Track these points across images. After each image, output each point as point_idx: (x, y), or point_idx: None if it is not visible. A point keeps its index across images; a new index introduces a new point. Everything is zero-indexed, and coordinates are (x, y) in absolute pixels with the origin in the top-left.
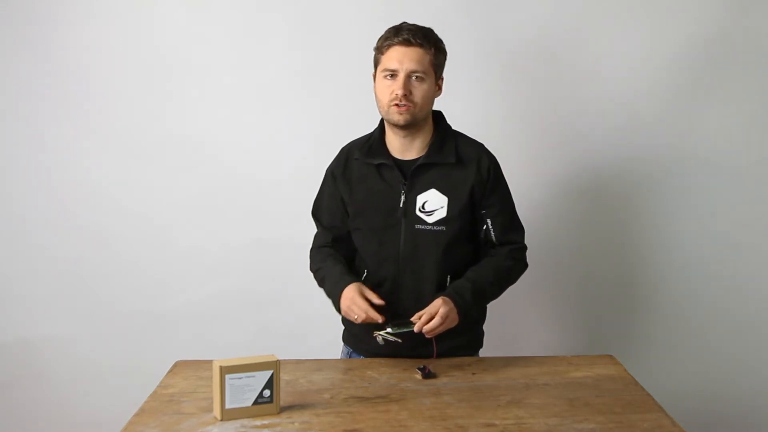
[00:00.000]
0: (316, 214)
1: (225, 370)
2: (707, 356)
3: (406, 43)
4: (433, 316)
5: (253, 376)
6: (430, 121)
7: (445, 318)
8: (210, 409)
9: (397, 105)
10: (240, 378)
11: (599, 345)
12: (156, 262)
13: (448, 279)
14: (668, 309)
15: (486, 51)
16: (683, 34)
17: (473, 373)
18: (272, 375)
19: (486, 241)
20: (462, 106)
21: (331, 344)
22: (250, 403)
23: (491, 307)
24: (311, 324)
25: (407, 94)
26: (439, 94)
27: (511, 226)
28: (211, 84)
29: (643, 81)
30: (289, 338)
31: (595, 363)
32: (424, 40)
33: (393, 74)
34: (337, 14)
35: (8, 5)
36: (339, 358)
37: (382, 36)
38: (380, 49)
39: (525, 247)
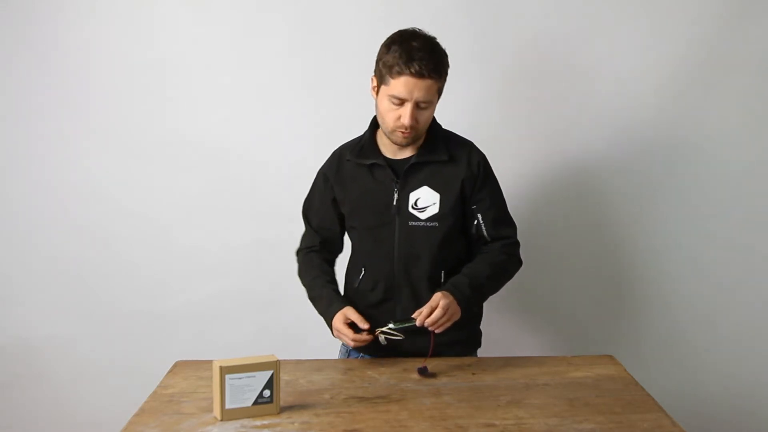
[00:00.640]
0: (306, 214)
1: (225, 370)
2: (707, 356)
3: (419, 75)
4: (433, 309)
5: (253, 377)
6: None
7: (446, 309)
8: (210, 409)
9: (402, 132)
10: (240, 378)
11: (599, 345)
12: (156, 262)
13: (443, 275)
14: (668, 309)
15: (486, 51)
16: (683, 34)
17: (473, 373)
18: (272, 375)
19: (478, 237)
20: (462, 107)
21: (331, 344)
22: (250, 403)
23: (491, 307)
24: (311, 324)
25: (414, 124)
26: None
27: (503, 221)
28: (211, 84)
29: (642, 81)
30: (289, 338)
31: (595, 363)
32: (434, 72)
33: (401, 102)
34: (337, 14)
35: (8, 5)
36: (338, 357)
37: (391, 53)
38: (389, 69)
39: (517, 243)
